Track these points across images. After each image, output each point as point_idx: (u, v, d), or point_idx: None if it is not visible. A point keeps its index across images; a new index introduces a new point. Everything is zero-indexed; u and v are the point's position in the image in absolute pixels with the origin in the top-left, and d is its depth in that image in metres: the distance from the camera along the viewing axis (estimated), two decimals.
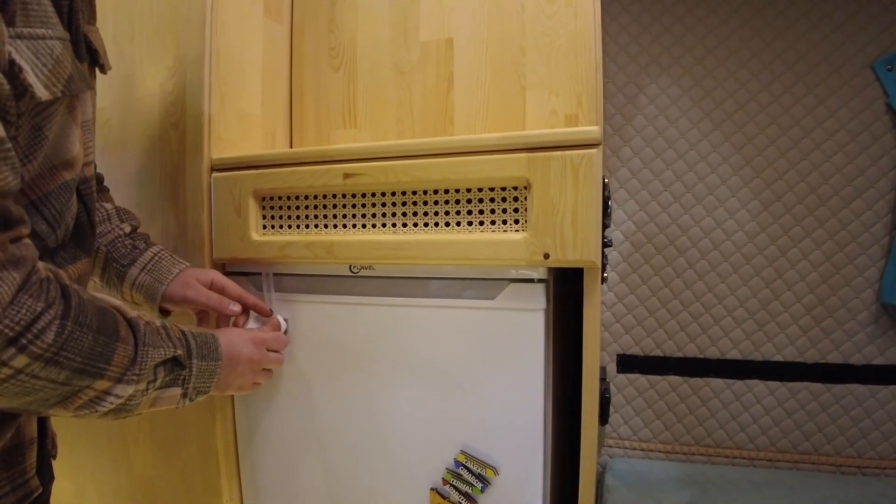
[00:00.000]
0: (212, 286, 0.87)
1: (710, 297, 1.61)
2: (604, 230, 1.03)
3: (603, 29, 1.59)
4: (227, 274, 1.05)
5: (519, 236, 0.79)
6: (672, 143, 1.60)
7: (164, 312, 0.86)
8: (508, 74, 1.06)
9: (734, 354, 1.61)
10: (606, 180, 0.91)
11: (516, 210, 0.81)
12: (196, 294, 0.84)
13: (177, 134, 1.02)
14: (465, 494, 0.87)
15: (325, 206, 0.93)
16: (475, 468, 0.87)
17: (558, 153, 0.76)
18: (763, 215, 1.56)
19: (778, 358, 1.58)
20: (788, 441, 1.60)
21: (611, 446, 1.71)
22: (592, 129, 0.75)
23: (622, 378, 1.68)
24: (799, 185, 1.54)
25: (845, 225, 1.53)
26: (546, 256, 0.77)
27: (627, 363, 1.67)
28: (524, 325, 0.83)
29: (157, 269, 0.84)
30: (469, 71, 1.08)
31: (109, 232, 0.85)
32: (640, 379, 1.67)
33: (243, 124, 1.10)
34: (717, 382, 1.62)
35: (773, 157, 1.55)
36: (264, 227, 0.98)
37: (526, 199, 0.79)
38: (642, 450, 1.69)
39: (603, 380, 1.43)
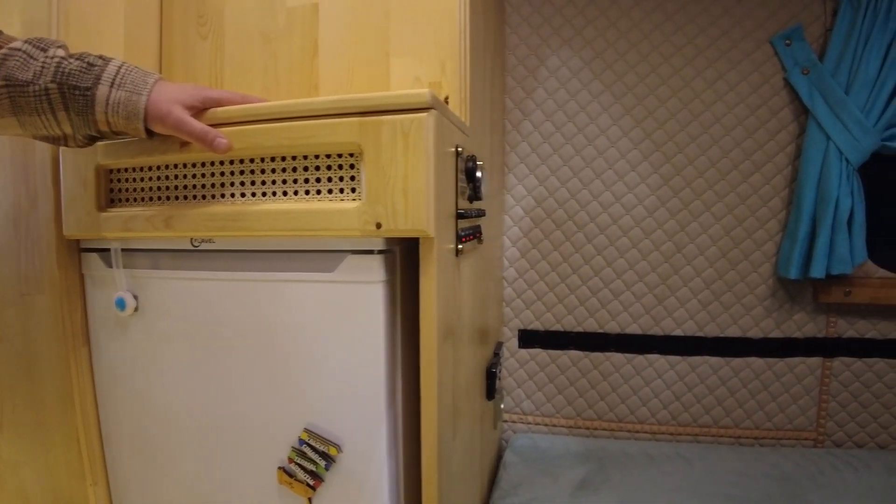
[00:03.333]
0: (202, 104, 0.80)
1: (609, 271, 1.60)
2: (471, 202, 1.01)
3: (506, 1, 1.56)
4: (81, 251, 1.00)
5: (352, 206, 0.75)
6: (572, 116, 1.58)
7: (151, 135, 0.78)
8: (374, 40, 1.02)
9: (634, 329, 1.61)
10: (460, 149, 0.88)
11: (353, 178, 0.77)
12: (177, 125, 0.76)
13: None
14: (311, 473, 0.84)
15: (167, 178, 0.88)
16: (319, 446, 0.84)
17: (388, 117, 0.73)
18: (663, 189, 1.56)
19: (678, 332, 1.59)
20: (689, 415, 1.61)
21: (515, 421, 1.70)
22: (422, 92, 0.72)
23: (524, 353, 1.67)
24: (699, 159, 1.54)
25: (744, 199, 1.53)
26: (378, 226, 0.74)
27: (529, 338, 1.66)
28: (364, 297, 0.80)
29: (128, 80, 0.74)
30: (334, 37, 1.04)
31: (44, 66, 0.73)
32: (542, 354, 1.66)
33: None
34: (618, 357, 1.62)
35: (673, 130, 1.54)
36: (111, 200, 0.93)
37: (360, 162, 0.76)
38: (546, 425, 1.69)
39: (496, 354, 1.42)
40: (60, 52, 0.74)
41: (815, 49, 1.46)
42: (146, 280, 0.93)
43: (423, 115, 0.72)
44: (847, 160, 1.39)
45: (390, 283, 0.81)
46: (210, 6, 1.13)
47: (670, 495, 1.33)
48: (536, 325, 1.65)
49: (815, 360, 1.55)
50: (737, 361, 1.57)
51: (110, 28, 1.07)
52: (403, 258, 0.84)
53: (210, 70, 1.13)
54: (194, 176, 0.86)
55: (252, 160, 0.82)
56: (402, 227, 0.73)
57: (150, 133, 0.78)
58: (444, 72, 0.98)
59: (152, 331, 0.93)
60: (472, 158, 0.96)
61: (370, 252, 0.79)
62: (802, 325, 1.54)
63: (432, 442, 0.80)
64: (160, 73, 1.17)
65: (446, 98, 0.98)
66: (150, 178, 0.89)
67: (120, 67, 0.75)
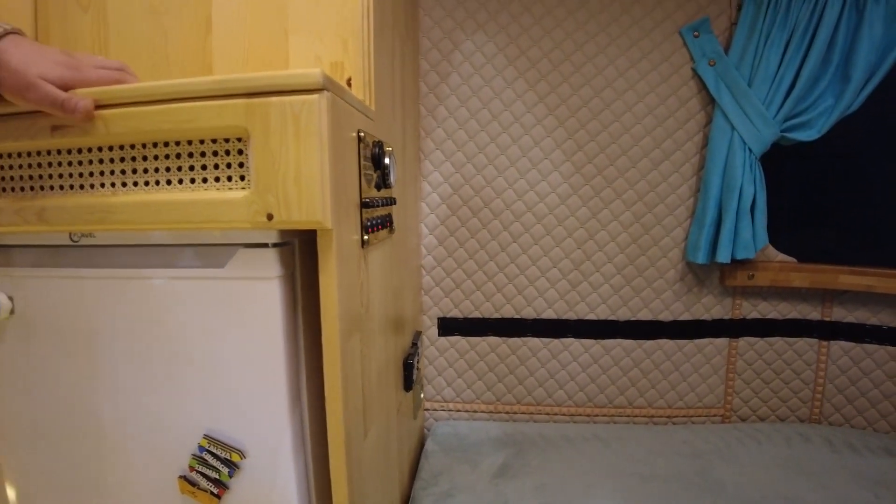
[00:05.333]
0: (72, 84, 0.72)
1: (524, 258, 1.61)
2: (379, 189, 0.98)
3: None
4: None
5: (239, 195, 0.71)
6: (487, 103, 1.56)
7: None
8: (272, 17, 0.97)
9: (549, 314, 1.63)
10: (363, 134, 0.85)
11: (241, 165, 0.73)
12: (40, 99, 0.69)
13: None
14: (215, 481, 0.80)
15: (39, 165, 0.80)
16: (220, 452, 0.80)
17: (277, 99, 0.68)
18: (575, 177, 1.57)
19: (591, 317, 1.62)
20: (605, 396, 1.65)
21: (436, 409, 1.69)
22: (313, 72, 0.68)
23: (443, 341, 1.66)
24: (610, 147, 1.56)
25: (654, 187, 1.57)
26: (270, 217, 0.70)
27: (448, 326, 1.65)
28: (259, 294, 0.76)
29: None
30: (229, 12, 0.98)
31: None
32: (461, 341, 1.65)
33: None
34: (535, 342, 1.64)
35: (585, 119, 1.55)
36: None
37: (248, 148, 0.71)
38: (466, 411, 1.69)
39: (413, 344, 1.40)
40: None
41: (721, 42, 1.50)
42: (22, 279, 0.85)
43: (315, 96, 0.68)
44: (750, 150, 1.44)
45: (288, 278, 0.77)
46: None
47: (587, 476, 1.36)
48: (455, 313, 1.64)
49: (722, 341, 1.61)
50: (649, 344, 1.62)
51: None
52: (303, 251, 0.80)
53: (92, 45, 1.05)
54: (70, 164, 0.78)
55: (133, 146, 0.75)
56: (296, 218, 0.69)
57: None
58: (347, 51, 0.94)
59: (33, 333, 0.86)
60: (379, 144, 0.93)
61: (264, 245, 0.75)
62: (710, 307, 1.60)
63: (339, 443, 0.77)
64: (38, 40, 1.08)
65: (349, 80, 0.94)
66: (20, 167, 0.81)
67: None
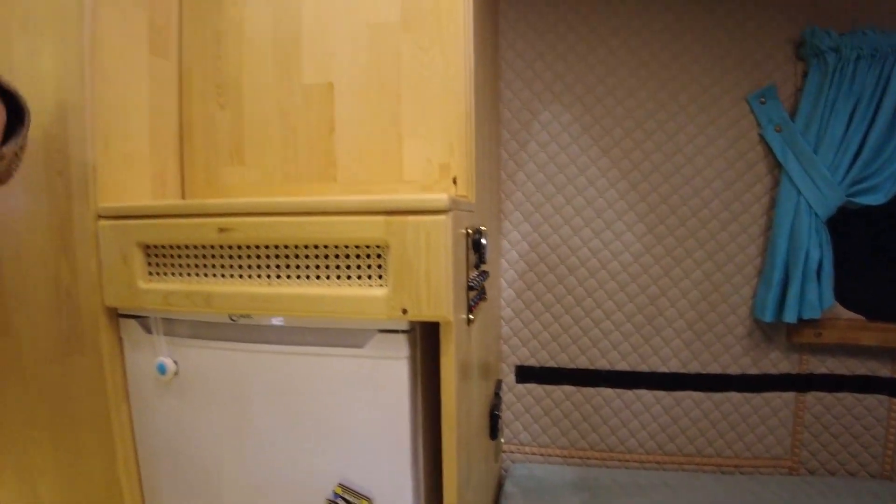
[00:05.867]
0: None
1: (599, 313, 1.72)
2: (478, 268, 1.12)
3: (499, 55, 1.67)
4: (119, 316, 1.08)
5: (380, 292, 0.85)
6: (563, 168, 1.69)
7: None
8: (386, 121, 1.11)
9: (623, 366, 1.72)
10: (470, 230, 0.98)
11: (380, 266, 0.87)
12: None
13: (63, 181, 1.04)
14: None
15: (204, 256, 0.97)
16: (351, 499, 0.94)
17: (412, 218, 0.83)
18: (647, 237, 1.68)
19: (663, 369, 1.71)
20: (675, 445, 1.73)
21: (513, 451, 1.81)
22: (440, 198, 0.82)
23: (521, 388, 1.78)
24: (681, 209, 1.66)
25: (723, 246, 1.65)
26: (404, 312, 0.84)
27: (525, 373, 1.77)
28: (391, 371, 0.90)
29: None
30: (349, 116, 1.14)
31: None
32: (538, 388, 1.77)
33: (130, 166, 1.12)
34: (608, 392, 1.74)
35: (657, 182, 1.66)
36: (150, 274, 1.02)
37: (387, 255, 0.86)
38: (541, 455, 1.79)
39: (496, 394, 1.52)
40: None
41: (787, 108, 1.59)
42: (185, 348, 1.02)
43: (443, 217, 0.82)
44: (816, 214, 1.52)
45: (413, 358, 0.91)
46: (228, 78, 1.22)
47: None
48: (532, 362, 1.76)
49: (789, 395, 1.67)
50: (718, 396, 1.69)
51: (136, 101, 1.15)
52: (422, 334, 0.94)
53: (230, 138, 1.22)
54: (231, 256, 0.95)
55: (286, 246, 0.91)
56: (426, 313, 0.84)
57: None
58: (453, 154, 1.08)
59: (191, 393, 1.02)
60: (479, 231, 1.07)
61: (396, 332, 0.89)
62: (777, 362, 1.66)
63: (453, 492, 0.91)
64: (181, 136, 1.26)
65: (454, 179, 1.08)
66: (189, 256, 0.98)
67: None
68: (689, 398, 1.71)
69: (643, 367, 1.72)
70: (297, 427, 0.96)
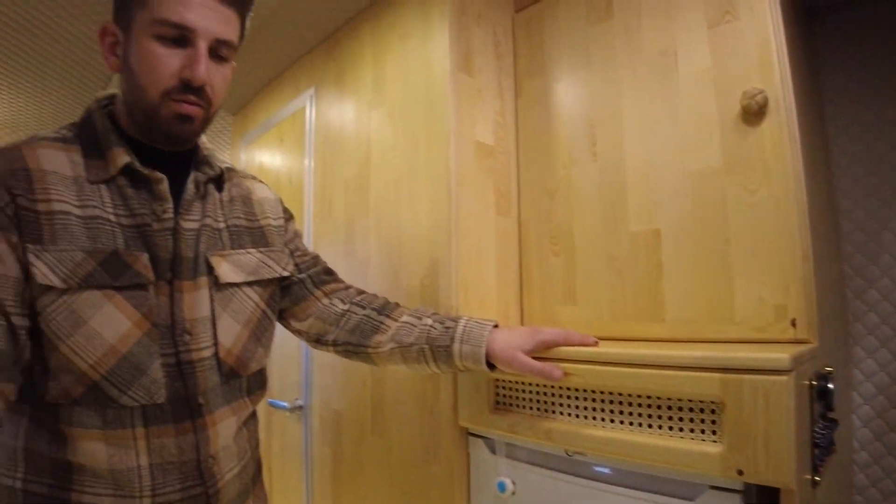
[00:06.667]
0: (536, 348, 1.01)
1: None
2: (824, 418, 1.04)
3: (832, 161, 1.57)
4: (469, 434, 1.27)
5: (714, 449, 0.86)
6: None
7: (491, 367, 1.01)
8: (715, 262, 1.13)
9: None
10: (813, 382, 0.94)
11: (714, 422, 0.89)
12: (521, 367, 0.98)
13: None
14: None
15: (545, 394, 1.09)
16: None
17: (749, 377, 0.83)
18: None
19: None
20: None
21: None
22: (781, 358, 0.81)
23: None
24: None
25: None
26: (740, 473, 0.84)
27: None
28: None
29: (472, 336, 1.01)
30: (676, 259, 1.18)
31: (420, 332, 1.04)
32: None
33: (483, 309, 1.34)
34: None
35: None
36: (497, 403, 1.18)
37: (721, 412, 0.87)
38: None
39: None
40: (428, 321, 1.05)
41: None
42: (524, 472, 1.14)
43: (784, 378, 0.81)
44: None
45: None
46: (561, 229, 1.39)
47: None
48: None
49: None
50: None
51: (486, 254, 1.38)
52: (758, 493, 0.91)
53: (563, 281, 1.37)
54: (569, 397, 1.05)
55: (620, 393, 0.98)
56: (764, 477, 0.82)
57: (490, 367, 1.01)
58: (789, 293, 1.05)
59: None
60: (824, 377, 1.00)
61: (730, 490, 0.88)
62: None
63: None
64: (521, 281, 1.45)
65: (793, 321, 1.04)
66: (533, 392, 1.12)
67: (465, 327, 1.02)
68: None
69: None
70: None
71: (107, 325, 0.77)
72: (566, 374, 1.00)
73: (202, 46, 0.79)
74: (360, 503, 1.54)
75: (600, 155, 1.33)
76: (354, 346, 1.07)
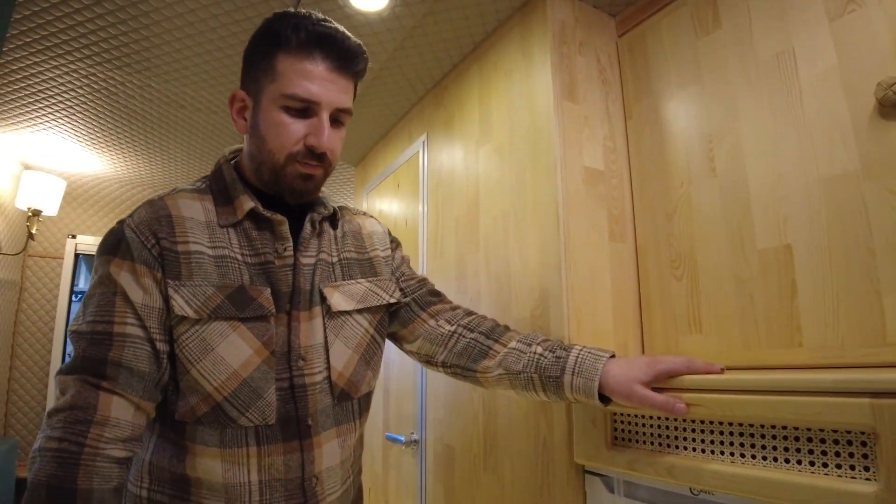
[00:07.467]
0: (655, 378, 0.93)
1: None
2: None
3: None
4: (585, 472, 1.19)
5: (868, 488, 0.74)
6: None
7: (606, 400, 0.94)
8: (858, 279, 1.00)
9: None
10: None
11: (865, 456, 0.76)
12: (640, 401, 0.90)
13: None
14: None
15: (667, 427, 1.00)
16: None
17: None
18: None
19: None
20: None
21: None
22: None
23: None
24: None
25: None
26: None
27: None
28: None
29: (584, 368, 0.94)
30: (812, 276, 1.06)
31: (529, 360, 1.00)
32: None
33: (598, 340, 1.27)
34: None
35: None
36: (615, 438, 1.10)
37: (875, 444, 0.75)
38: None
39: None
40: (538, 349, 1.00)
41: None
42: None
43: None
44: None
45: None
46: (681, 251, 1.29)
47: None
48: None
49: None
50: None
51: (601, 283, 1.32)
52: None
53: (687, 307, 1.27)
54: (694, 430, 0.96)
55: (751, 424, 0.88)
56: None
57: (604, 400, 0.94)
58: None
59: None
60: None
61: None
62: None
63: None
64: (640, 310, 1.36)
65: None
66: (654, 426, 1.03)
67: (577, 357, 0.96)
68: None
69: None
70: None
71: (231, 352, 0.85)
72: (689, 405, 0.92)
73: (325, 117, 0.88)
74: None
75: (719, 171, 1.24)
76: (463, 369, 1.07)
